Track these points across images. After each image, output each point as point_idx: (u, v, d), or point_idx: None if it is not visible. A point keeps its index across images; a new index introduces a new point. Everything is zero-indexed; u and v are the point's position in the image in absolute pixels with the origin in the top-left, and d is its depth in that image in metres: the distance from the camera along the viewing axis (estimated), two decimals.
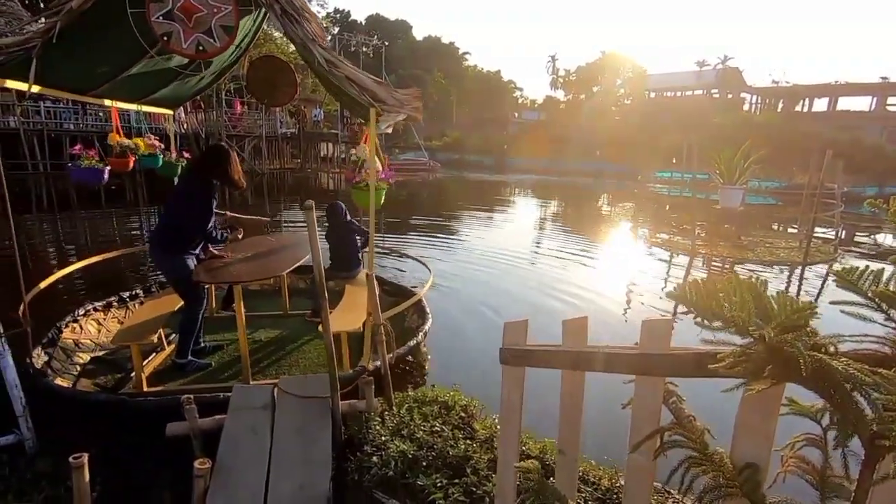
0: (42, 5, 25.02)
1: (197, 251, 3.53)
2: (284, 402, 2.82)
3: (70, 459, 2.18)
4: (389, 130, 3.31)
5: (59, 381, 3.11)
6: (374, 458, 2.55)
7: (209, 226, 3.38)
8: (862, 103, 34.55)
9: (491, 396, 3.33)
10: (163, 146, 4.52)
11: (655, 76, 44.36)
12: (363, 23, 54.28)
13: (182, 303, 3.56)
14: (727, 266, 8.41)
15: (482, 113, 46.76)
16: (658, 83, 43.43)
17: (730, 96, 39.44)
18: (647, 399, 1.17)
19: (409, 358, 4.08)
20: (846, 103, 35.19)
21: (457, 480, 2.42)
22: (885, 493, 0.90)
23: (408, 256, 5.73)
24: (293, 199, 17.12)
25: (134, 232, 10.81)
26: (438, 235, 10.65)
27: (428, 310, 4.50)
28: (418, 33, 59.43)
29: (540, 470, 1.17)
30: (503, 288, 6.92)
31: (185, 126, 19.16)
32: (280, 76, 3.88)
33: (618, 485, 2.42)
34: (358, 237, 4.63)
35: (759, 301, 0.81)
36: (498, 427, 2.89)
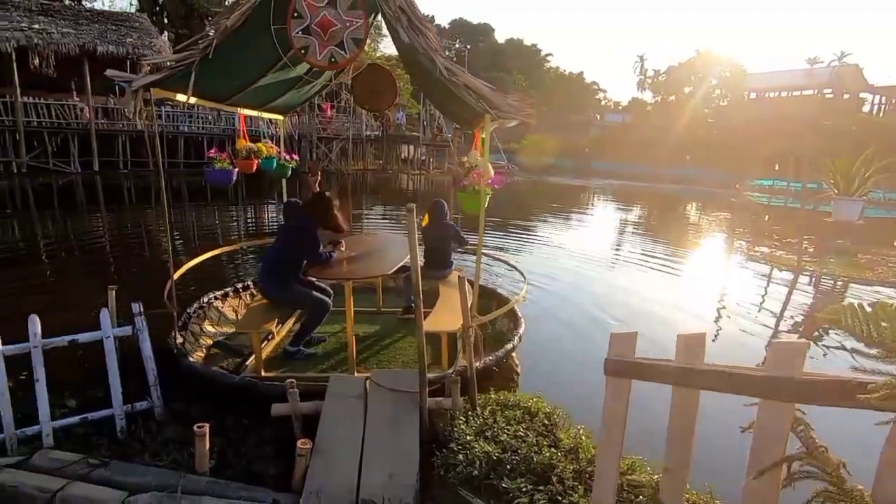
0: (166, 21, 28.13)
1: (298, 276, 3.91)
2: (376, 393, 2.97)
3: (194, 428, 2.45)
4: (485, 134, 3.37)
5: (192, 360, 3.48)
6: (460, 457, 2.61)
7: (323, 259, 3.72)
8: None
9: (574, 406, 3.31)
10: (277, 149, 4.92)
11: (757, 75, 40.75)
12: (447, 27, 55.26)
13: None
14: (840, 286, 7.58)
15: (563, 115, 45.70)
16: (760, 83, 39.83)
17: (846, 96, 35.34)
18: (773, 425, 1.12)
19: (504, 362, 4.04)
20: None
21: (541, 487, 2.41)
22: None
23: (504, 262, 5.62)
24: (374, 199, 17.80)
25: (231, 224, 11.77)
26: (516, 240, 10.58)
27: (521, 315, 4.46)
28: (501, 35, 59.48)
29: (654, 486, 1.15)
30: (583, 297, 6.74)
31: (276, 128, 20.59)
32: (382, 82, 4.09)
33: None
34: (453, 243, 4.71)
35: None
36: (584, 438, 2.85)
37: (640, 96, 49.60)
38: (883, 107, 35.24)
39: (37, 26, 16.60)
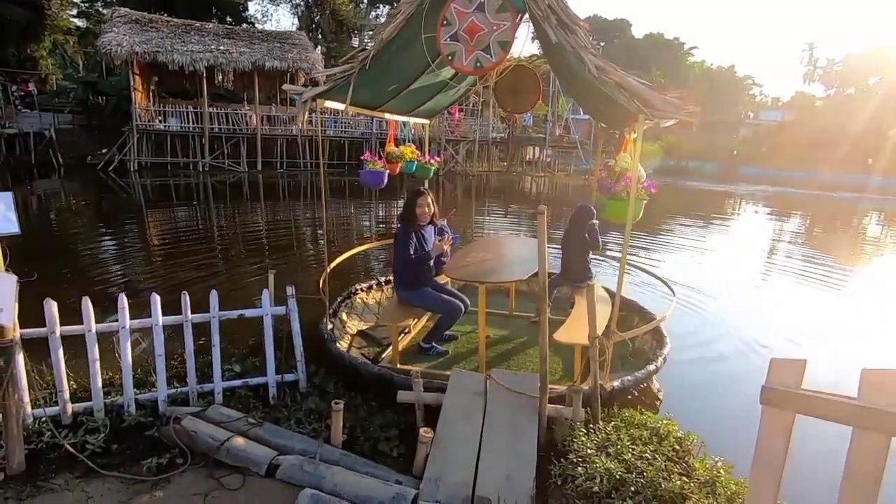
0: (320, 36, 31.38)
1: (430, 279, 4.02)
2: (496, 392, 2.99)
3: (332, 404, 2.71)
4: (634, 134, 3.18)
5: (339, 346, 3.82)
6: (579, 469, 2.52)
7: (416, 257, 3.78)
8: None
9: (713, 436, 3.00)
10: (419, 153, 5.22)
11: None
12: None
13: None
14: None
15: (708, 114, 41.35)
16: None
17: None
18: None
19: (644, 384, 3.70)
20: None
21: None
22: None
23: (651, 274, 5.16)
24: (495, 201, 17.90)
25: (364, 223, 12.70)
26: (651, 250, 9.84)
27: (666, 335, 4.07)
28: (639, 31, 55.81)
29: None
30: (732, 316, 6.03)
31: (412, 131, 21.71)
32: (525, 84, 4.09)
33: None
34: (590, 250, 4.52)
35: None
36: (721, 471, 2.56)
37: (805, 90, 42.85)
38: None
39: (222, 48, 19.67)
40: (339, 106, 3.54)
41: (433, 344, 4.11)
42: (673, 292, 4.48)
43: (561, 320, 3.95)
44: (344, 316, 4.58)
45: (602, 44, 42.02)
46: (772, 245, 11.63)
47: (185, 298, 3.07)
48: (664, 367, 3.72)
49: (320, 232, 10.60)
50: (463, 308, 3.95)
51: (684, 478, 2.49)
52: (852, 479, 1.13)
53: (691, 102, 2.84)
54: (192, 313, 3.07)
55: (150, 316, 2.97)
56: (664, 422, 2.99)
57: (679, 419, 3.20)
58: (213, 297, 3.14)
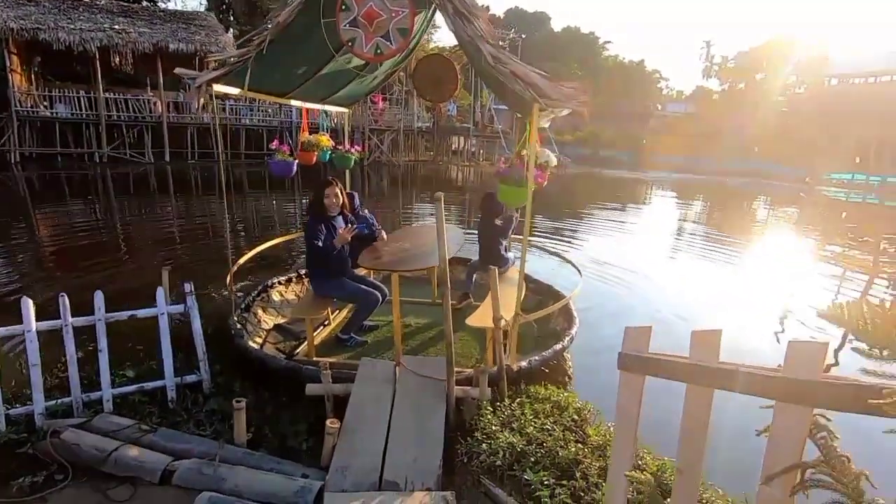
0: (231, 18, 29.51)
1: (346, 270, 3.97)
2: (405, 378, 3.03)
3: (233, 402, 2.61)
4: (546, 124, 3.30)
5: (251, 342, 3.67)
6: (484, 446, 2.62)
7: (323, 248, 3.67)
8: None
9: (609, 403, 3.23)
10: (333, 143, 5.07)
11: (841, 59, 37.38)
12: (502, 16, 54.42)
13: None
14: None
15: (621, 105, 43.90)
16: (844, 68, 36.52)
17: None
18: (789, 430, 1.05)
19: (553, 362, 3.89)
20: None
21: (564, 482, 2.39)
22: None
23: (562, 258, 5.36)
24: (424, 190, 17.95)
25: (290, 215, 12.25)
26: (568, 234, 10.34)
27: (576, 314, 4.29)
28: (558, 24, 57.90)
29: (654, 485, 1.12)
30: (638, 294, 6.49)
31: (334, 121, 21.12)
32: (444, 73, 4.10)
33: None
34: (502, 237, 4.62)
35: None
36: (611, 435, 2.78)
37: (705, 84, 46.78)
38: None
39: (117, 27, 17.92)
40: (236, 91, 3.38)
41: (351, 335, 4.06)
42: (581, 274, 4.75)
43: (477, 306, 4.06)
44: (259, 311, 4.42)
45: (523, 36, 43.07)
46: (675, 226, 12.67)
47: (64, 301, 2.81)
48: (572, 344, 3.94)
49: (240, 226, 10.09)
50: (380, 298, 3.94)
51: (580, 444, 2.67)
52: (686, 430, 1.27)
53: (583, 93, 3.01)
54: (74, 316, 2.82)
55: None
56: (565, 395, 3.19)
57: (585, 392, 3.43)
58: (98, 297, 2.90)
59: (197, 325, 3.19)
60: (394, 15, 2.92)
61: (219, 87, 3.21)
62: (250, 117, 21.43)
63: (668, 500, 1.49)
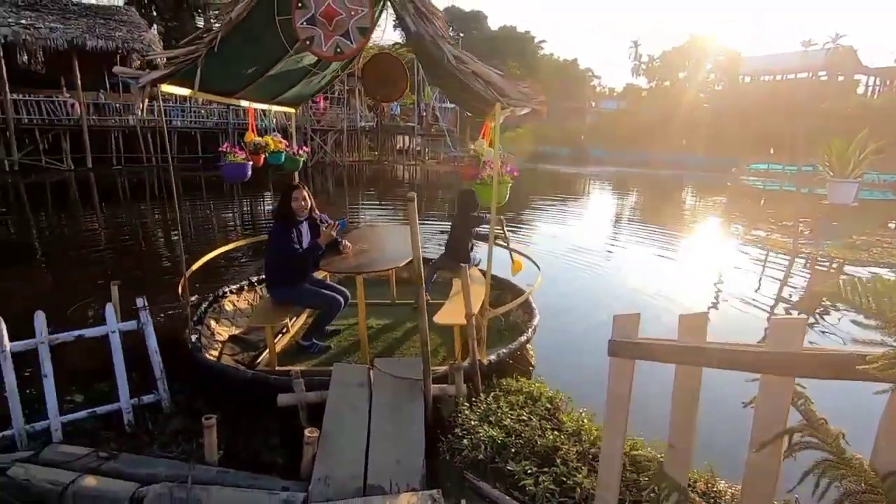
0: (155, 13, 27.73)
1: (307, 275, 3.88)
2: (380, 381, 3.00)
3: (203, 420, 2.48)
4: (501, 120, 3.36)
5: (207, 355, 3.48)
6: (465, 441, 2.66)
7: (291, 253, 3.60)
8: None
9: (577, 390, 3.36)
10: (286, 143, 4.89)
11: (752, 59, 40.69)
12: None
13: None
14: (835, 267, 7.65)
15: (558, 103, 45.45)
16: (755, 66, 39.78)
17: (841, 79, 35.31)
18: (774, 400, 1.15)
19: (518, 353, 3.99)
20: None
21: (546, 469, 2.46)
22: None
23: (518, 252, 5.44)
24: (370, 190, 17.75)
25: (229, 221, 11.71)
26: (515, 230, 10.59)
27: (535, 306, 4.40)
28: (494, 23, 58.91)
29: (658, 460, 1.19)
30: (584, 285, 6.78)
31: (274, 120, 20.42)
32: (393, 73, 4.07)
33: (715, 489, 2.33)
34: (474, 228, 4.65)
35: None
36: (585, 420, 2.90)
37: (634, 82, 49.42)
38: (877, 88, 35.28)
39: (24, 21, 16.36)
40: (185, 92, 3.20)
41: (314, 341, 3.96)
42: (539, 268, 4.89)
43: (441, 303, 4.08)
44: (212, 322, 4.20)
45: (462, 34, 43.58)
46: (614, 219, 13.29)
47: (0, 326, 2.55)
48: (534, 335, 4.07)
49: (175, 234, 9.50)
50: (343, 301, 3.87)
51: (556, 432, 2.77)
52: (677, 408, 1.36)
53: (539, 93, 3.10)
54: (11, 341, 2.57)
55: None
56: (537, 385, 3.29)
57: (550, 380, 3.55)
58: (39, 318, 2.67)
59: (152, 341, 3.00)
60: (353, 13, 2.87)
61: (167, 88, 3.03)
62: (182, 119, 20.26)
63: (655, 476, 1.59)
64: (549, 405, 3.08)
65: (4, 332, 2.56)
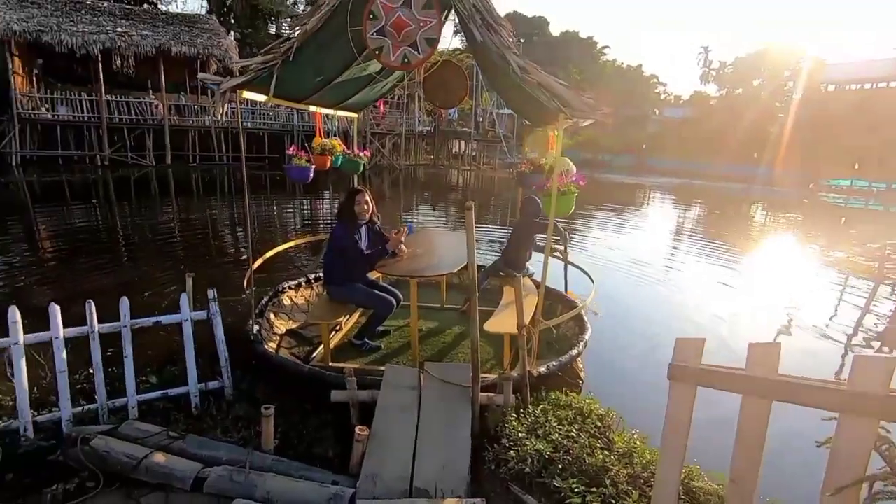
0: (233, 21, 29.54)
1: (362, 276, 4.01)
2: (429, 385, 3.04)
3: (262, 409, 2.62)
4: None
5: (267, 348, 3.67)
6: (511, 453, 2.64)
7: (355, 253, 3.75)
8: None
9: (630, 410, 3.25)
10: (345, 146, 5.08)
11: (837, 66, 37.67)
12: None
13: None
14: None
15: (620, 110, 44.14)
16: (840, 74, 36.76)
17: None
18: (855, 443, 1.07)
19: (569, 367, 3.90)
20: None
21: (594, 489, 2.40)
22: None
23: (574, 265, 5.17)
24: (424, 193, 17.99)
25: (290, 218, 12.23)
26: (578, 239, 10.37)
27: (587, 320, 4.33)
28: (556, 28, 58.21)
29: (718, 494, 1.14)
30: (637, 299, 6.55)
31: (337, 123, 21.14)
32: (453, 80, 4.14)
33: None
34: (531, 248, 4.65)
35: None
36: (638, 442, 2.80)
37: (703, 90, 47.12)
38: None
39: (120, 29, 17.93)
40: (261, 98, 3.40)
41: (365, 340, 4.08)
42: (593, 281, 4.77)
43: (487, 310, 4.08)
44: (271, 316, 4.42)
45: (522, 40, 43.37)
46: (680, 232, 12.73)
47: (91, 307, 2.81)
48: (586, 349, 3.98)
49: (241, 230, 10.06)
50: (395, 303, 3.96)
51: (606, 451, 2.69)
52: (742, 441, 1.29)
53: (604, 103, 3.05)
54: (99, 323, 2.82)
55: (49, 329, 2.69)
56: (587, 401, 3.21)
57: (599, 396, 3.45)
58: (124, 304, 2.91)
59: (220, 331, 3.19)
60: (422, 24, 2.94)
61: (246, 94, 3.23)
62: (251, 120, 21.43)
63: None
64: (599, 423, 2.99)
65: (94, 314, 2.81)
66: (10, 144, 16.91)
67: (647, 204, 19.17)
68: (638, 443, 2.80)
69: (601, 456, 2.62)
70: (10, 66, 16.70)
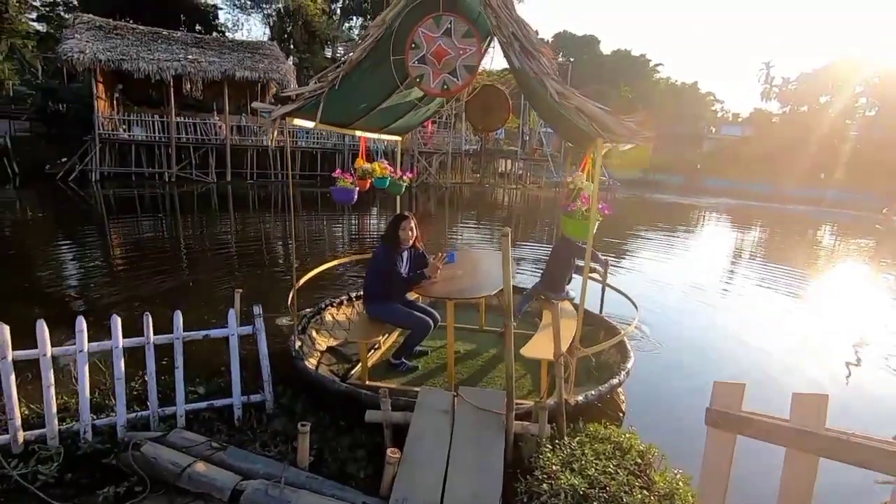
0: (292, 46, 31.18)
1: (401, 296, 4.08)
2: (463, 409, 3.02)
3: (299, 426, 2.68)
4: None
5: (307, 363, 3.78)
6: (545, 486, 2.56)
7: (394, 277, 3.81)
8: None
9: (673, 447, 3.09)
10: (390, 168, 5.22)
11: None
12: (550, 41, 54.74)
13: None
14: None
15: (672, 128, 42.81)
16: None
17: None
18: None
19: (608, 397, 3.80)
20: None
21: None
22: None
23: (614, 289, 5.12)
24: (469, 211, 18.05)
25: (336, 237, 12.55)
26: (619, 263, 10.07)
27: (630, 347, 4.18)
28: (607, 47, 57.53)
29: None
30: (687, 327, 6.25)
31: (385, 143, 21.71)
32: (495, 102, 4.20)
33: None
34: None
35: None
36: (681, 483, 2.65)
37: (763, 107, 44.93)
38: None
39: (190, 57, 19.34)
40: (309, 124, 3.56)
41: (403, 360, 4.11)
42: (636, 308, 4.61)
43: (527, 334, 4.01)
44: (314, 333, 4.54)
45: (572, 59, 43.09)
46: (736, 257, 12.09)
47: (148, 320, 3.01)
48: (628, 379, 3.82)
49: (291, 246, 10.42)
50: (432, 324, 3.98)
51: (645, 491, 2.56)
52: (786, 494, 1.20)
53: (655, 122, 2.99)
54: (154, 334, 3.01)
55: (110, 338, 2.89)
56: (627, 436, 3.07)
57: (641, 430, 3.29)
58: (178, 317, 3.09)
59: (263, 346, 3.32)
60: (461, 52, 3.02)
61: (296, 121, 3.40)
62: (306, 140, 22.41)
63: None
64: (639, 460, 2.86)
65: (151, 326, 3.00)
66: (91, 162, 18.49)
67: (702, 225, 18.37)
68: (681, 484, 2.64)
69: (640, 496, 2.49)
70: (95, 91, 18.36)
